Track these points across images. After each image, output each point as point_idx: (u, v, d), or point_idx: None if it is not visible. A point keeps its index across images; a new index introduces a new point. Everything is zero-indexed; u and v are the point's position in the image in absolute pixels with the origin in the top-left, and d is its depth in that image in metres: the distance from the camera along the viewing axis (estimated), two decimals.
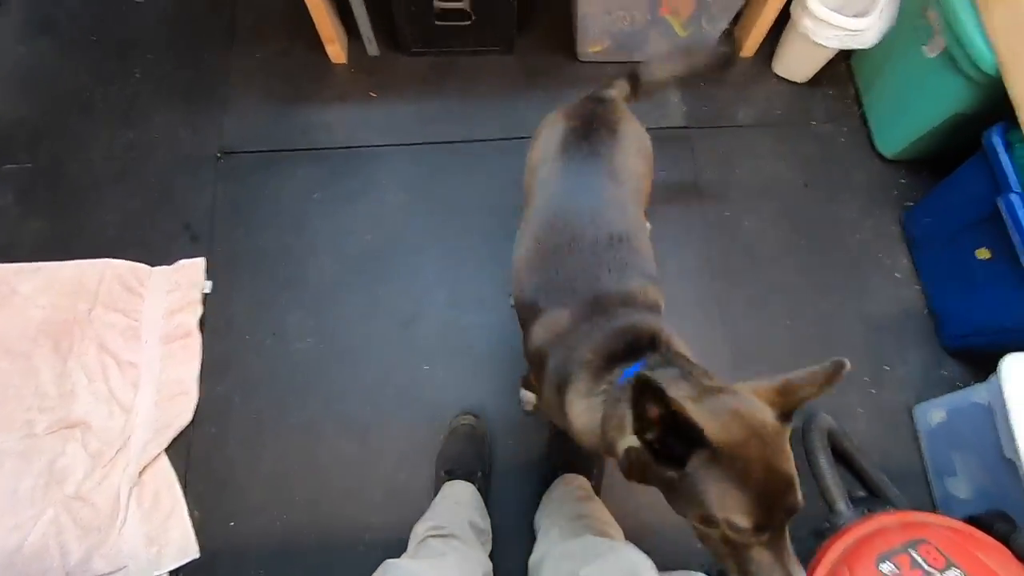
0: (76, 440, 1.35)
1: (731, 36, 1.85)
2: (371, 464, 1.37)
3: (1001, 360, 1.17)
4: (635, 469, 0.70)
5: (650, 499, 1.37)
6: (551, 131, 1.06)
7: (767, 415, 0.63)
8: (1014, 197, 1.26)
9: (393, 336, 1.49)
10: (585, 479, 1.27)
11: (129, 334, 1.44)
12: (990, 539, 1.03)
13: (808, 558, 1.05)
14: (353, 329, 1.49)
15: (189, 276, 1.49)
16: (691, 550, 1.34)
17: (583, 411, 0.80)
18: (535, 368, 0.93)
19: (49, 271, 1.49)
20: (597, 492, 1.30)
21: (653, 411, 0.60)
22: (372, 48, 1.73)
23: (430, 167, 1.67)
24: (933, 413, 1.41)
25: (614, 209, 0.96)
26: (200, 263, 1.51)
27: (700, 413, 0.60)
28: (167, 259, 1.52)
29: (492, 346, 1.48)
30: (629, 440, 0.68)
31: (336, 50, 1.74)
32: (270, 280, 1.53)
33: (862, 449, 1.39)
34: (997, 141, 1.31)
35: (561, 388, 0.83)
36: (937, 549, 0.97)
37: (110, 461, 1.33)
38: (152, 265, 1.51)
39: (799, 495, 0.61)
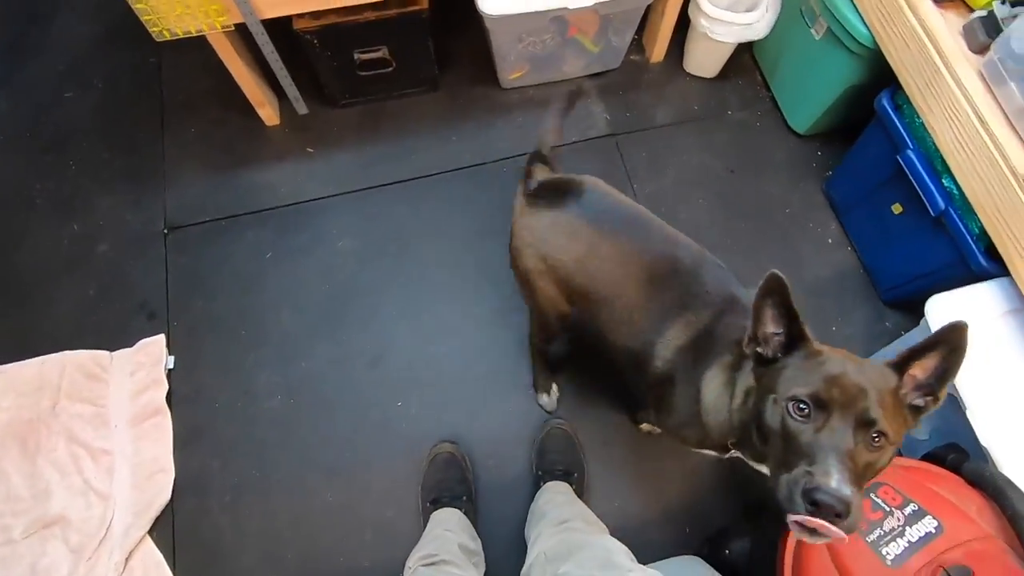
0: (56, 537, 1.33)
1: (639, 44, 1.96)
2: (358, 507, 1.38)
3: (926, 303, 1.25)
4: (744, 404, 0.82)
5: (635, 495, 1.42)
6: (558, 230, 1.02)
7: (880, 367, 0.72)
8: (911, 153, 1.37)
9: (362, 378, 1.51)
10: (567, 485, 1.30)
11: (98, 421, 1.44)
12: (943, 471, 1.09)
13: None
14: (322, 378, 1.51)
15: (151, 355, 1.50)
16: (676, 539, 1.38)
17: (716, 387, 0.88)
18: (660, 389, 0.98)
19: (9, 373, 1.48)
20: (580, 495, 1.33)
21: (769, 315, 0.74)
22: (301, 107, 1.79)
23: (376, 209, 1.73)
24: None
25: (675, 233, 1.04)
26: (160, 340, 1.52)
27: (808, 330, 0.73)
28: (127, 341, 1.53)
29: (459, 371, 1.52)
30: (747, 382, 0.82)
31: (268, 113, 1.80)
32: (233, 344, 1.55)
33: None
34: (887, 105, 1.42)
35: (698, 366, 0.90)
36: (894, 489, 1.02)
37: (94, 552, 1.32)
38: (112, 350, 1.52)
39: (872, 406, 0.66)
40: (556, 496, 1.24)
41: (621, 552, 0.84)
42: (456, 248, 1.67)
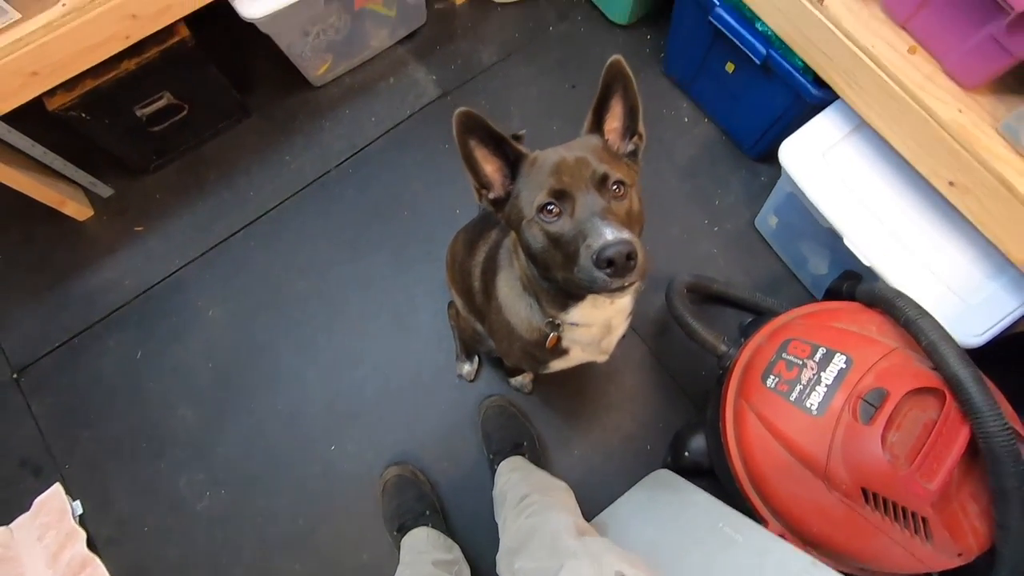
0: None
1: None
2: (332, 567, 1.32)
3: (779, 150, 1.26)
4: (520, 262, 0.84)
5: (591, 436, 1.41)
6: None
7: (583, 138, 0.76)
8: (719, 10, 1.34)
9: (286, 439, 1.42)
10: (520, 458, 1.28)
11: None
12: (840, 304, 1.12)
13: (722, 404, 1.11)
14: (245, 456, 1.41)
15: (52, 510, 1.35)
16: (642, 459, 1.39)
17: (506, 290, 0.93)
18: (488, 318, 1.02)
19: None
20: (538, 460, 1.31)
21: (480, 154, 0.73)
22: (103, 190, 1.60)
23: (233, 265, 1.59)
24: (769, 219, 1.51)
25: None
26: (57, 491, 1.37)
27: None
28: (21, 507, 1.37)
29: (380, 392, 1.45)
30: (522, 257, 0.82)
31: (75, 208, 1.60)
32: (138, 462, 1.42)
33: (730, 282, 1.48)
34: None
35: (493, 278, 0.96)
36: (802, 340, 1.04)
37: None
38: (8, 522, 1.36)
39: (597, 166, 0.69)
40: (512, 475, 1.21)
41: (567, 532, 0.81)
42: (330, 271, 1.57)
